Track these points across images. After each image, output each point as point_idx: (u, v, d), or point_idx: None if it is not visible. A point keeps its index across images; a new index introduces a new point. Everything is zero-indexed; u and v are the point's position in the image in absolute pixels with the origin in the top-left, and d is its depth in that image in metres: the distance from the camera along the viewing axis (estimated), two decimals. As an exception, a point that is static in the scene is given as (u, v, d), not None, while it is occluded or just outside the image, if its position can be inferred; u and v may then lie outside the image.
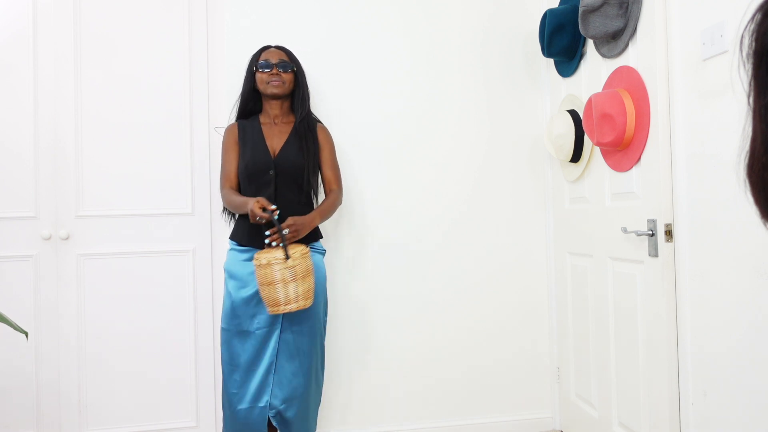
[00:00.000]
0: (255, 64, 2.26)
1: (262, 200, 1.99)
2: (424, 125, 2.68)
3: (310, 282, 2.00)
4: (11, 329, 2.36)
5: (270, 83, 2.22)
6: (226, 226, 2.49)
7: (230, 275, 2.18)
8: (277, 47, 2.31)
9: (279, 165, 2.18)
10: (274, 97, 2.25)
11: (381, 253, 2.63)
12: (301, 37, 2.59)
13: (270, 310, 2.00)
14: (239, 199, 2.13)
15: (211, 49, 2.61)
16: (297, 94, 2.28)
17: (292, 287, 1.96)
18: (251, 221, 1.99)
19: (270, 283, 1.95)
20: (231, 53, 2.54)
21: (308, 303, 2.01)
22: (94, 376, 2.50)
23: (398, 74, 2.66)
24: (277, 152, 2.20)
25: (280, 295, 1.95)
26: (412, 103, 2.67)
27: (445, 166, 2.69)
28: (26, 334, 1.93)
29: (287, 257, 1.94)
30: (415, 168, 2.66)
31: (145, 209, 2.55)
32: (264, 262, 1.95)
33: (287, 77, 2.24)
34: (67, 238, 2.49)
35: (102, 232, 2.52)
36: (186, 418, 2.56)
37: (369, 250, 2.62)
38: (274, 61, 2.23)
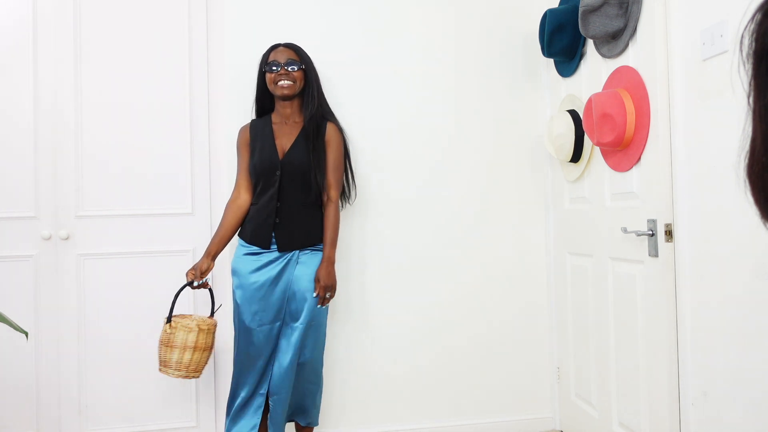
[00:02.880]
0: (264, 65, 2.25)
1: (201, 270, 2.17)
2: (423, 126, 2.67)
3: (186, 354, 2.10)
4: (11, 329, 2.36)
5: (278, 84, 2.19)
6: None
7: (233, 271, 2.25)
8: (286, 45, 2.26)
9: (286, 166, 2.18)
10: (285, 97, 2.22)
11: (379, 252, 2.62)
12: (303, 34, 2.59)
13: (159, 368, 2.14)
14: (214, 237, 2.24)
15: (211, 48, 2.61)
16: (306, 92, 2.25)
17: (166, 350, 2.09)
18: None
19: (160, 341, 2.12)
20: (231, 53, 2.54)
21: (183, 375, 2.11)
22: (94, 376, 2.50)
23: (397, 74, 2.66)
24: (285, 152, 2.21)
25: (163, 354, 2.10)
26: (411, 103, 2.67)
27: (445, 166, 2.69)
28: (26, 334, 1.93)
29: (168, 320, 2.10)
30: (415, 168, 2.66)
31: (145, 209, 2.55)
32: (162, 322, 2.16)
33: (297, 75, 2.21)
34: (67, 238, 2.49)
35: (102, 232, 2.52)
36: (186, 418, 2.56)
37: (367, 248, 2.62)
38: (282, 60, 2.20)
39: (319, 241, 2.23)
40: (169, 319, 2.11)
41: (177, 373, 2.10)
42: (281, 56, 2.21)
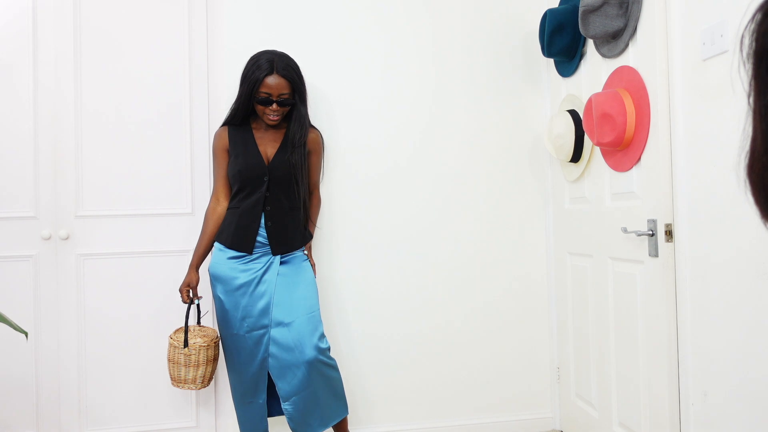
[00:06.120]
0: (255, 90, 2.17)
1: (193, 286, 2.24)
2: (423, 125, 2.67)
3: (208, 369, 2.23)
4: (11, 329, 2.36)
5: (267, 115, 2.22)
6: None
7: (215, 278, 2.24)
8: (281, 74, 2.17)
9: (273, 171, 2.22)
10: (271, 125, 2.27)
11: (378, 253, 2.62)
12: (301, 37, 2.59)
13: (171, 383, 2.25)
14: (198, 248, 2.28)
15: (210, 48, 2.61)
16: (295, 116, 2.25)
17: (187, 371, 2.19)
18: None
19: (170, 360, 2.21)
20: (231, 52, 2.54)
21: (205, 386, 2.25)
22: (94, 376, 2.50)
23: (399, 75, 2.66)
24: (270, 158, 2.24)
25: (180, 373, 2.20)
26: (412, 103, 2.67)
27: (445, 166, 2.68)
28: (26, 334, 1.93)
29: (186, 345, 2.17)
30: (415, 168, 2.66)
31: (145, 209, 2.55)
32: (170, 341, 2.21)
33: (286, 110, 2.24)
34: (67, 238, 2.49)
35: (102, 232, 2.52)
36: (186, 418, 2.56)
37: (366, 247, 2.62)
38: (274, 95, 2.17)
39: (301, 243, 2.31)
40: (186, 344, 2.17)
41: (194, 386, 2.22)
42: (275, 90, 2.17)
